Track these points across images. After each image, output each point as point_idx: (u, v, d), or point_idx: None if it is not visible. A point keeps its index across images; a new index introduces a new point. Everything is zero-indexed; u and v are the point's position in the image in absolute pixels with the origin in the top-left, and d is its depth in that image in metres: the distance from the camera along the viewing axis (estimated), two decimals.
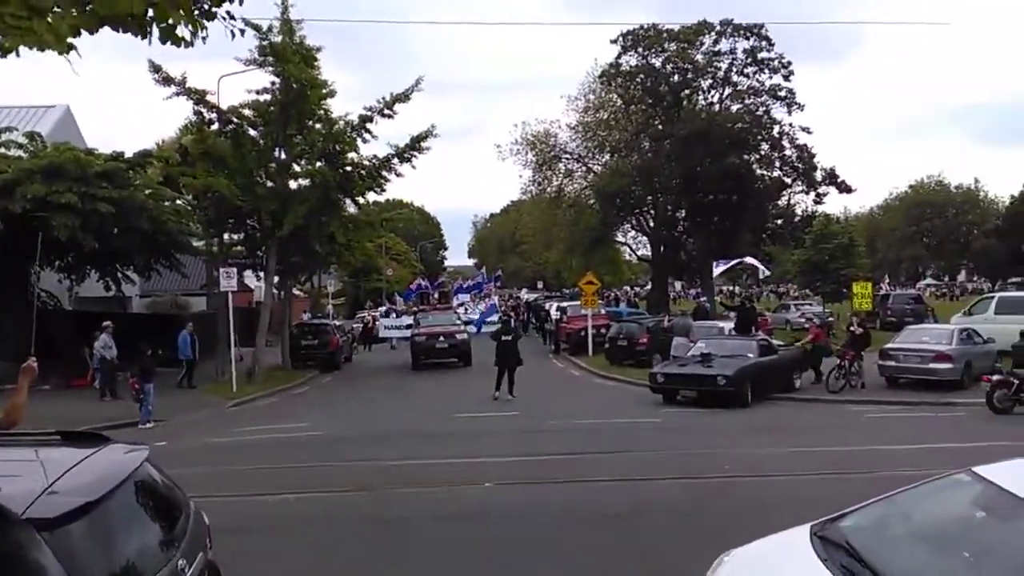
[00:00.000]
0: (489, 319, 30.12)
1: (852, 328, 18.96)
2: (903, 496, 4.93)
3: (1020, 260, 54.31)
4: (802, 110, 40.73)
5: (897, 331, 21.60)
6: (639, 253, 49.73)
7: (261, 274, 27.02)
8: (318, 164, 24.78)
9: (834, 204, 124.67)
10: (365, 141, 24.81)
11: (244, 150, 23.75)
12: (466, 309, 35.59)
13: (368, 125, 24.43)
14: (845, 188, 40.89)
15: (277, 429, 15.25)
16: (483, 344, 24.12)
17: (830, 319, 32.34)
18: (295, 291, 35.09)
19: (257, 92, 23.78)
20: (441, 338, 26.60)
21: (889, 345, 18.93)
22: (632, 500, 9.04)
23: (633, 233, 47.73)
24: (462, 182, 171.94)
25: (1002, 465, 4.74)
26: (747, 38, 40.83)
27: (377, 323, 35.93)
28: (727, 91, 42.27)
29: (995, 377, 15.20)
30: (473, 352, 25.89)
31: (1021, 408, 14.51)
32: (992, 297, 26.13)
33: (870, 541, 4.50)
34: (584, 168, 45.60)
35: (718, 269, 29.75)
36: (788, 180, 41.62)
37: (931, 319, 29.60)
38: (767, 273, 39.73)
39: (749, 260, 30.61)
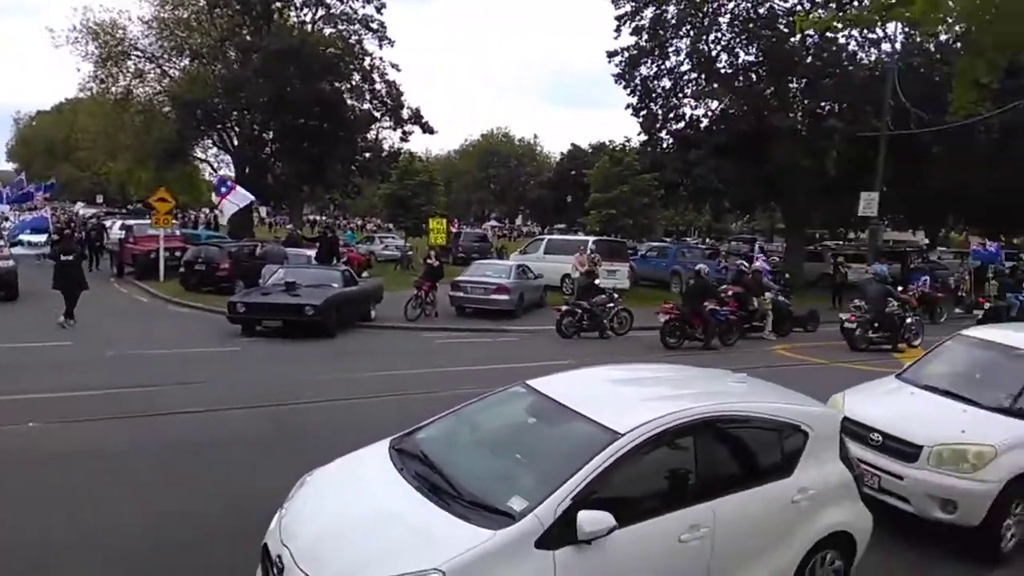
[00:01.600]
0: (35, 232, 25.69)
1: (429, 261, 20.38)
2: (469, 408, 5.45)
3: (565, 209, 64.28)
4: (392, 45, 41.83)
5: (466, 266, 23.86)
6: (221, 172, 46.66)
7: None
8: None
9: (419, 143, 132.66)
10: None
11: None
12: (10, 223, 29.58)
13: None
14: (428, 129, 43.33)
15: None
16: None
17: (410, 252, 34.47)
18: None
19: None
20: None
21: (459, 278, 20.89)
22: (210, 432, 8.60)
23: (215, 151, 44.45)
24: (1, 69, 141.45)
25: (550, 378, 5.52)
26: None
27: None
28: (320, 12, 41.33)
29: (563, 307, 17.90)
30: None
31: (586, 334, 17.42)
32: (542, 239, 30.43)
33: (440, 449, 4.90)
34: (159, 70, 40.77)
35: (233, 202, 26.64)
36: (377, 114, 42.61)
37: (497, 256, 33.28)
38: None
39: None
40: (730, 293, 18.12)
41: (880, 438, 6.61)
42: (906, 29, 25.62)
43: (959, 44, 19.37)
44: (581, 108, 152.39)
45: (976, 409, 6.77)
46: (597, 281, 18.88)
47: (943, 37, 24.27)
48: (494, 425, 5.28)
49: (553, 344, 16.43)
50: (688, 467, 4.62)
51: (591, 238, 27.38)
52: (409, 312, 18.83)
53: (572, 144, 77.52)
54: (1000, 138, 26.58)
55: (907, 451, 6.39)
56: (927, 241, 48.97)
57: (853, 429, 6.73)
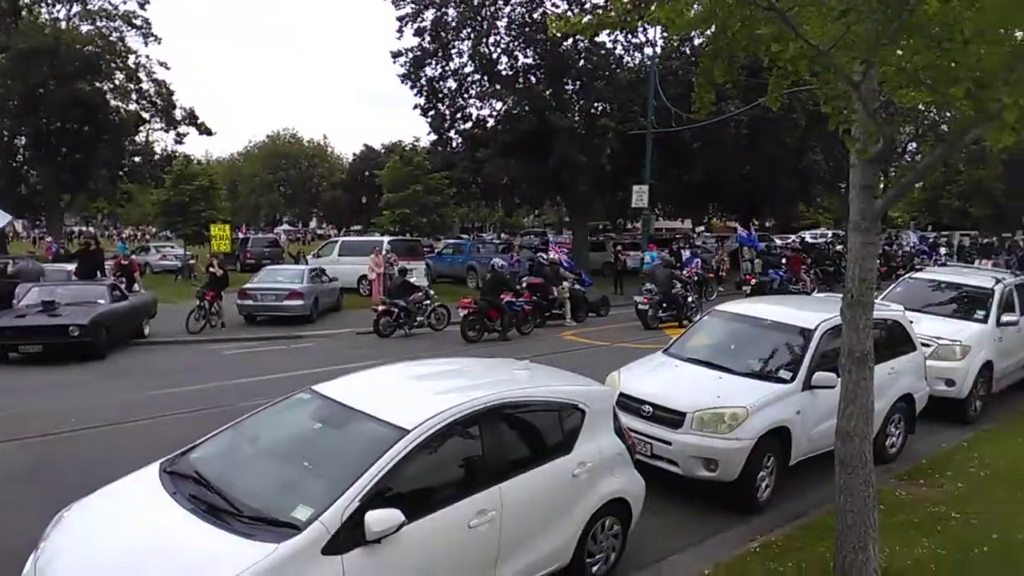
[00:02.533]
0: None
1: (212, 269, 19.24)
2: (250, 420, 5.23)
3: (360, 210, 63.21)
4: (159, 42, 39.08)
5: (256, 272, 22.76)
6: None
7: None
8: None
9: (198, 146, 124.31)
10: None
11: None
12: None
13: None
14: (206, 130, 40.87)
15: None
16: None
17: (191, 261, 32.30)
18: None
19: None
20: None
21: (247, 285, 19.90)
22: None
23: None
24: None
25: (337, 381, 5.44)
26: None
27: None
28: (76, 8, 37.64)
29: (380, 307, 17.74)
30: None
31: (401, 332, 17.43)
32: (336, 241, 29.78)
33: (217, 466, 4.66)
34: None
35: None
36: (146, 116, 39.54)
37: (296, 260, 31.98)
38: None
39: None
40: (527, 284, 18.87)
41: (651, 409, 7.20)
42: (664, 34, 27.99)
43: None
44: (376, 108, 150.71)
45: (731, 376, 7.58)
46: (411, 279, 19.12)
47: (697, 42, 26.73)
48: (278, 435, 5.11)
49: (353, 348, 16.18)
50: (476, 455, 4.77)
51: (386, 238, 27.25)
52: (192, 324, 17.66)
53: (364, 144, 76.68)
54: (749, 134, 29.80)
55: (673, 419, 7.02)
56: (703, 228, 54.01)
57: (628, 403, 7.29)
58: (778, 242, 35.40)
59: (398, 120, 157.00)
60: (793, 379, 7.37)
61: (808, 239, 37.49)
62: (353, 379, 5.59)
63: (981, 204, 46.61)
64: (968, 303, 11.42)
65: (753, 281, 23.17)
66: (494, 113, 32.41)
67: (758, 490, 7.03)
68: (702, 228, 54.92)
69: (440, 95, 32.55)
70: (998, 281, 11.64)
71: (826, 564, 5.45)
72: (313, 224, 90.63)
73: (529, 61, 31.54)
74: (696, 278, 22.44)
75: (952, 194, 48.51)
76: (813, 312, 8.19)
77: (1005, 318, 10.98)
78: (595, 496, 5.35)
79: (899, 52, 4.38)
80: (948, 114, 5.63)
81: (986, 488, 7.25)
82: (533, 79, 31.57)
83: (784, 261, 26.26)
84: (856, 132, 4.86)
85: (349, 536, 3.92)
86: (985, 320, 10.89)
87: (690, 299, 19.57)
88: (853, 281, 5.04)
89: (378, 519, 3.95)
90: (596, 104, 30.58)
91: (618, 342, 16.24)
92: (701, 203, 45.02)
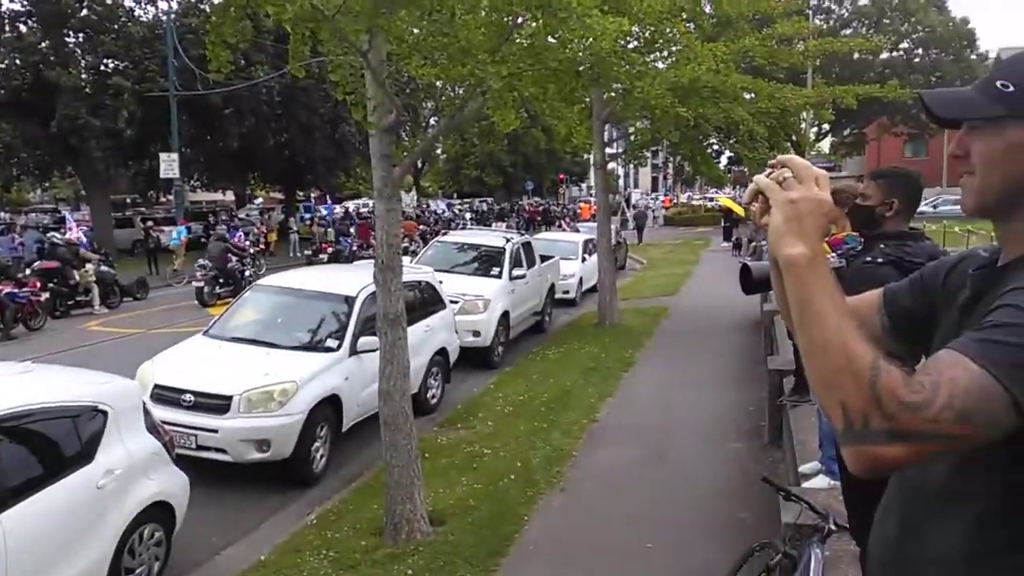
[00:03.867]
0: None
1: None
2: None
3: None
4: None
5: None
6: None
7: None
8: None
9: None
10: None
11: None
12: None
13: None
14: None
15: None
16: None
17: None
18: None
19: None
20: None
21: None
22: None
23: None
24: None
25: None
26: None
27: None
28: None
29: None
30: None
31: None
32: None
33: None
34: None
35: None
36: None
37: None
38: None
39: None
40: (37, 270, 15.90)
41: (192, 398, 6.62)
42: None
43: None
44: None
45: (279, 351, 7.37)
46: None
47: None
48: None
49: None
50: None
51: None
52: None
53: None
54: (282, 101, 29.39)
55: (219, 404, 6.56)
56: (260, 200, 51.92)
57: (165, 395, 6.61)
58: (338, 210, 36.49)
59: None
60: (340, 347, 7.48)
61: (351, 210, 38.91)
62: None
63: (494, 174, 53.53)
64: (486, 261, 12.97)
65: (330, 250, 23.46)
66: None
67: (314, 462, 7.00)
68: (260, 200, 53.04)
69: None
70: (508, 240, 13.44)
71: (379, 519, 5.65)
72: None
73: (17, 7, 26.56)
74: (249, 251, 21.67)
75: (471, 165, 54.71)
76: (356, 279, 8.39)
77: (515, 272, 12.72)
78: (128, 506, 4.69)
79: (401, 23, 4.57)
80: (460, 90, 6.14)
81: (510, 423, 8.31)
82: (24, 28, 26.64)
83: (353, 230, 27.01)
84: (369, 103, 4.98)
85: None
86: (500, 276, 12.47)
87: (247, 273, 18.78)
88: (382, 247, 5.21)
89: None
90: (106, 61, 27.05)
91: (155, 328, 14.76)
92: (240, 172, 43.34)
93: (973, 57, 43.68)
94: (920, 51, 44.69)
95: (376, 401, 5.76)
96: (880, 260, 3.13)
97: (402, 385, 5.34)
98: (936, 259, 1.59)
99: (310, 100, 30.48)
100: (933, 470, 1.23)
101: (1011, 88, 1.21)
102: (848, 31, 40.25)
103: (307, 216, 37.25)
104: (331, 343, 7.56)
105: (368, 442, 7.54)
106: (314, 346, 7.57)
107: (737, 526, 5.50)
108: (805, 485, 4.74)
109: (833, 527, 3.42)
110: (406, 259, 13.48)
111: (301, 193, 43.82)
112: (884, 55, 42.19)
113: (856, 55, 36.64)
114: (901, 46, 44.22)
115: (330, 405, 7.15)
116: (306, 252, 25.92)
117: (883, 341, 1.46)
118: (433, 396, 9.29)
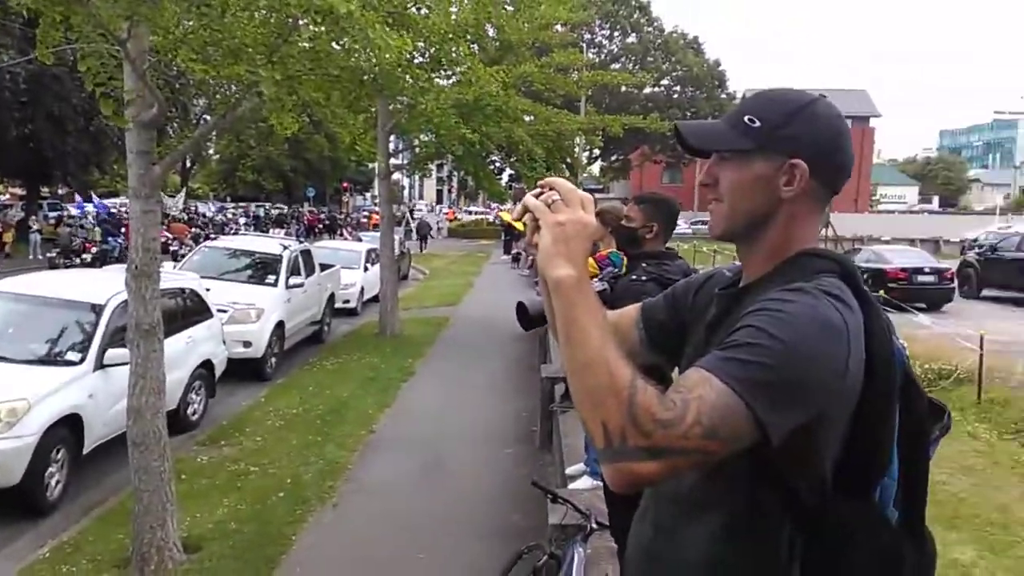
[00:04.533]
0: None
1: None
2: None
3: None
4: None
5: None
6: None
7: None
8: None
9: None
10: None
11: None
12: None
13: None
14: None
15: None
16: None
17: None
18: None
19: None
20: None
21: None
22: None
23: None
24: None
25: None
26: None
27: None
28: None
29: None
30: None
31: None
32: None
33: None
34: None
35: None
36: None
37: None
38: None
39: None
40: None
41: None
42: None
43: None
44: None
45: (8, 365, 6.47)
46: None
47: None
48: None
49: None
50: None
51: None
52: None
53: None
54: (29, 89, 26.22)
55: None
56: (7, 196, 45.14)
57: None
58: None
59: None
60: (83, 360, 6.70)
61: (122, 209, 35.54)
62: None
63: (272, 178, 51.18)
64: (261, 268, 12.34)
65: (94, 250, 21.67)
66: None
67: (48, 488, 6.18)
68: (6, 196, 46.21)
69: None
70: (286, 248, 12.88)
71: (125, 550, 5.11)
72: None
73: None
74: None
75: (248, 168, 51.91)
76: (107, 285, 7.57)
77: (293, 281, 12.22)
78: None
79: (167, 14, 4.22)
80: (234, 88, 5.79)
81: (281, 437, 7.92)
82: None
83: (123, 229, 24.74)
84: (125, 96, 4.55)
85: None
86: (276, 284, 11.91)
87: None
88: (136, 251, 4.75)
89: None
90: None
91: None
92: None
93: (723, 96, 49.19)
94: (679, 88, 49.56)
95: (125, 419, 5.21)
96: (644, 278, 3.40)
97: (155, 402, 4.88)
98: (688, 276, 1.70)
99: (62, 89, 27.36)
100: (685, 479, 1.29)
101: (758, 123, 1.31)
102: (617, 65, 43.52)
103: (52, 215, 33.29)
104: (72, 356, 6.75)
105: (115, 465, 6.81)
106: (52, 359, 6.73)
107: (510, 529, 5.63)
108: (571, 486, 4.95)
109: (595, 525, 3.57)
110: (169, 264, 12.60)
111: (47, 190, 39.10)
112: (648, 90, 46.26)
113: (623, 88, 39.85)
114: (663, 82, 48.76)
115: (69, 425, 6.37)
116: (49, 254, 23.15)
117: (641, 353, 1.54)
118: (195, 412, 8.61)
